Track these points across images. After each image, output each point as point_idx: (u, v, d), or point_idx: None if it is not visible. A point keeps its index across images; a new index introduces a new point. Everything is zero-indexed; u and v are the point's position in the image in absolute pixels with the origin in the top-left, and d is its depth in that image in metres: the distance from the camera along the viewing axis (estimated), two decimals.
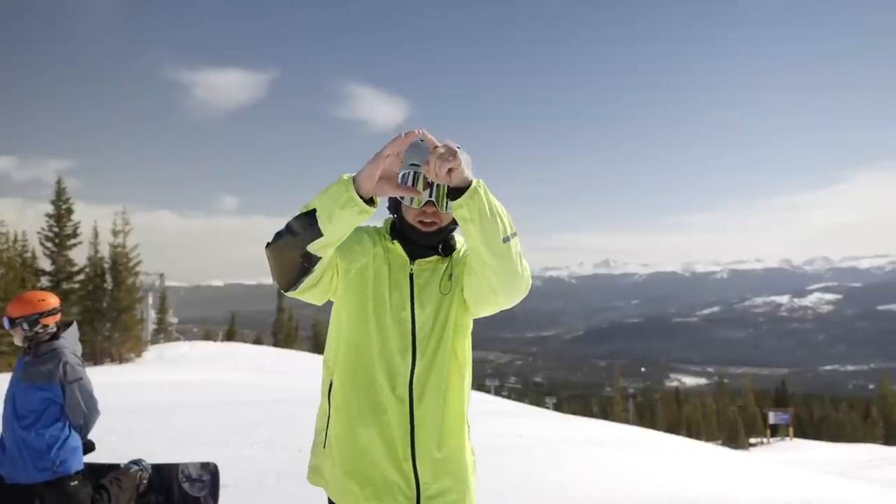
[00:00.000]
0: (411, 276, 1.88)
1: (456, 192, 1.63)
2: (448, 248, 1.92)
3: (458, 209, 1.63)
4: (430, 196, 1.78)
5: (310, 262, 1.64)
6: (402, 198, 1.81)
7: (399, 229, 1.91)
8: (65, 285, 29.13)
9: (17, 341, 3.58)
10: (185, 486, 4.18)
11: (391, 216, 1.96)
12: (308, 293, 1.76)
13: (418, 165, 1.76)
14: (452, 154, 1.58)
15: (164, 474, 4.17)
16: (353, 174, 1.59)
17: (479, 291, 1.80)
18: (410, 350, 1.84)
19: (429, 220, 1.82)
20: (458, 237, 1.97)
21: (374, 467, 1.81)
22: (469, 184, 1.62)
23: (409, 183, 1.77)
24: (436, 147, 1.61)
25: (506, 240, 1.66)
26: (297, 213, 1.62)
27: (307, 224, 1.58)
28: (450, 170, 1.59)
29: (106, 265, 30.78)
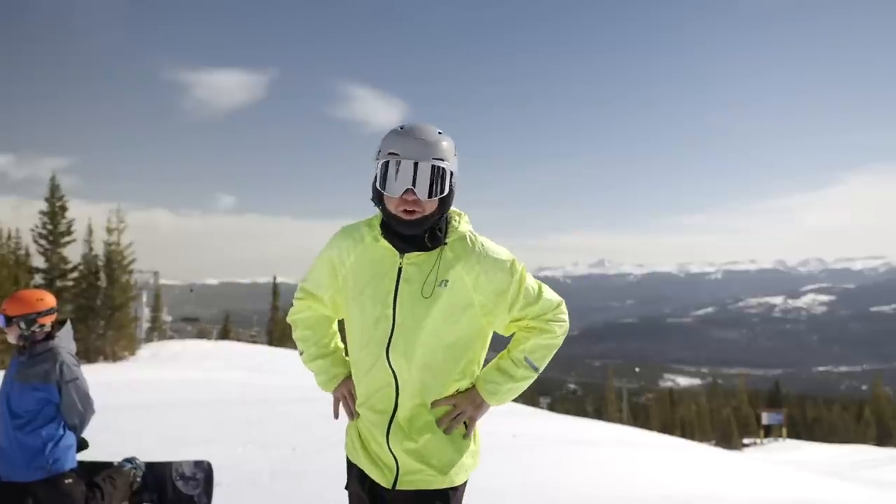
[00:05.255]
0: (399, 270, 1.88)
1: None
2: (435, 240, 1.88)
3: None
4: (410, 184, 1.76)
5: None
6: (384, 188, 1.80)
7: (385, 223, 1.89)
8: (58, 283, 28.98)
9: (12, 340, 3.51)
10: (179, 484, 4.17)
11: (377, 208, 1.93)
12: None
13: (397, 154, 1.77)
14: (470, 419, 1.98)
15: (157, 472, 4.15)
16: (327, 382, 2.18)
17: None
18: (387, 340, 1.88)
19: (410, 209, 1.79)
20: (454, 224, 1.93)
21: (373, 441, 1.99)
22: (487, 407, 2.00)
23: (388, 171, 1.78)
24: (458, 421, 1.96)
25: (536, 369, 2.04)
26: (300, 350, 2.23)
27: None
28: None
29: (100, 263, 30.66)
